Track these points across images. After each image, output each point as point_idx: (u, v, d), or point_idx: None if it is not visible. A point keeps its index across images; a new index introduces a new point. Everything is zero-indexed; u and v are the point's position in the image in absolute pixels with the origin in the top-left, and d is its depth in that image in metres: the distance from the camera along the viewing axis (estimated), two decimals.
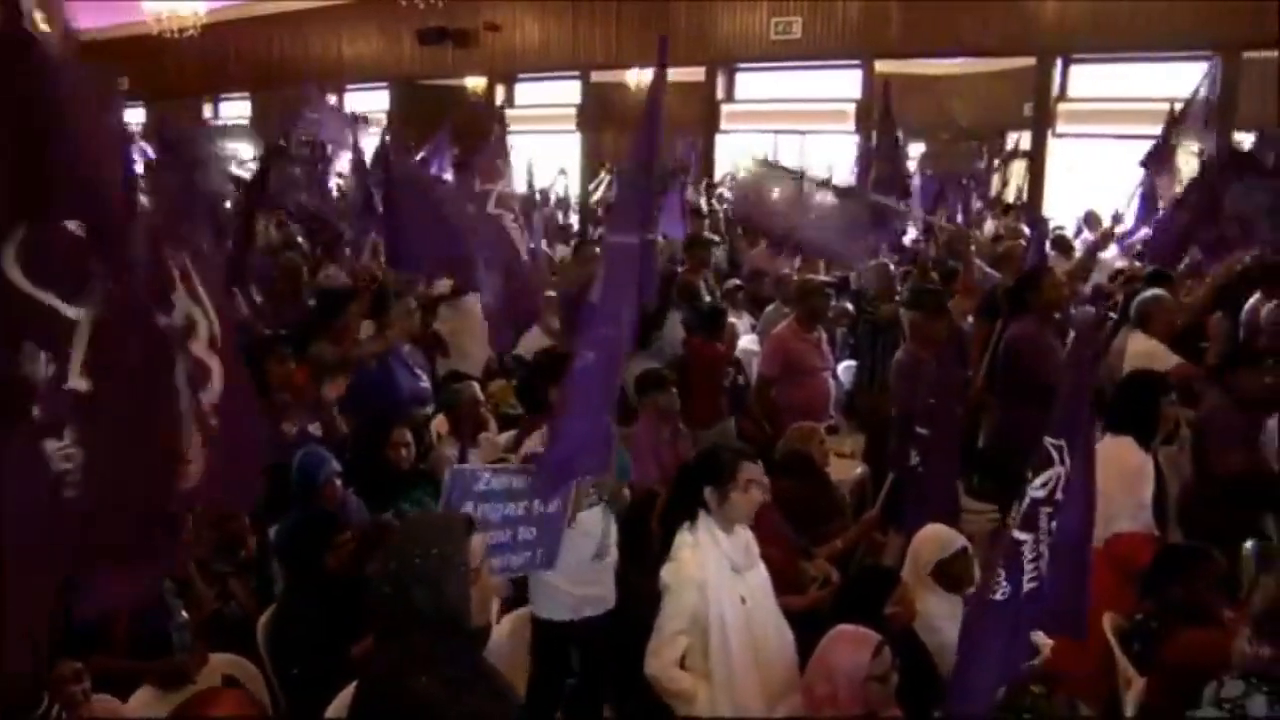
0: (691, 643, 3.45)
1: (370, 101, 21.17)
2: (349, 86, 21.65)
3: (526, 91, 20.20)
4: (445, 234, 5.74)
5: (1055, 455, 2.83)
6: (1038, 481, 2.84)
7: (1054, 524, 2.88)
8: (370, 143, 10.72)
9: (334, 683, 3.45)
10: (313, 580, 4.12)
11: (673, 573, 3.46)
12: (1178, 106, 7.84)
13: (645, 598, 3.63)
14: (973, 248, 8.09)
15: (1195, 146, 6.83)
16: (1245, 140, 10.64)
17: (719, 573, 3.45)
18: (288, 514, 4.52)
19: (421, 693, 2.34)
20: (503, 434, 5.95)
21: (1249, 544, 5.19)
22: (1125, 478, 4.32)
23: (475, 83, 20.47)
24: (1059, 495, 2.85)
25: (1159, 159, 7.01)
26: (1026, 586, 2.86)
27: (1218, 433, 4.96)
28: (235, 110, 23.77)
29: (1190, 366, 5.51)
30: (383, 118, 19.96)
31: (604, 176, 14.22)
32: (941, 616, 3.89)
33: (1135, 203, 7.83)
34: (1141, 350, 5.47)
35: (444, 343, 7.38)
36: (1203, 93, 6.89)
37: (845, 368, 7.30)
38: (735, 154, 14.45)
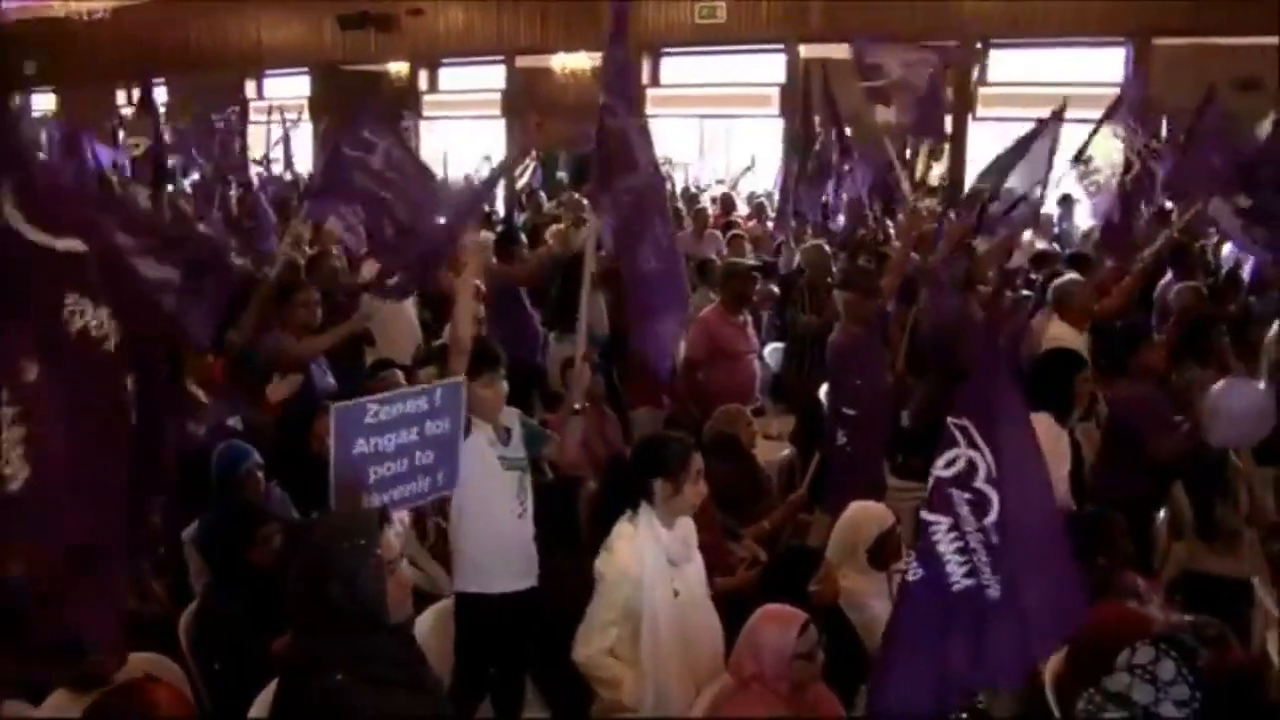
0: (621, 632, 3.46)
1: (290, 88, 20.77)
2: (268, 72, 21.22)
3: (450, 77, 19.99)
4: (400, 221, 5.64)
5: (959, 436, 2.79)
6: (941, 461, 2.79)
7: (989, 520, 2.79)
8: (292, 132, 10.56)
9: (259, 679, 3.39)
10: (236, 575, 4.04)
11: (608, 564, 3.46)
12: (1097, 92, 8.03)
13: (570, 583, 3.62)
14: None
15: (1121, 132, 7.00)
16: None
17: (655, 566, 3.45)
18: (206, 509, 4.43)
19: (340, 690, 2.31)
20: None
21: (1162, 513, 5.37)
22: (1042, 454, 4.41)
23: (398, 68, 20.19)
24: (978, 484, 2.78)
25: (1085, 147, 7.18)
26: (960, 581, 2.80)
27: (1149, 418, 5.05)
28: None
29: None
30: (303, 105, 19.59)
31: (528, 163, 14.12)
32: (868, 594, 3.96)
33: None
34: (1057, 335, 5.60)
35: (368, 331, 7.27)
36: (1117, 78, 7.06)
37: (772, 350, 7.36)
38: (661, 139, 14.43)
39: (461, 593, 4.04)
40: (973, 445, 2.77)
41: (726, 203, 12.93)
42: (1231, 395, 4.62)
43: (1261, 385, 4.96)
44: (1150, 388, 5.00)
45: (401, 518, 3.74)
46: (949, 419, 2.79)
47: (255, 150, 13.00)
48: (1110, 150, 6.66)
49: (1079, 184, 7.44)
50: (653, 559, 3.44)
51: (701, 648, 3.53)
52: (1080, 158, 6.89)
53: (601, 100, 4.22)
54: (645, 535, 3.46)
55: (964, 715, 3.62)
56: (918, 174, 13.22)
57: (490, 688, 4.14)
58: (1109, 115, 6.92)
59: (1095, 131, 6.86)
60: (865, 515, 4.11)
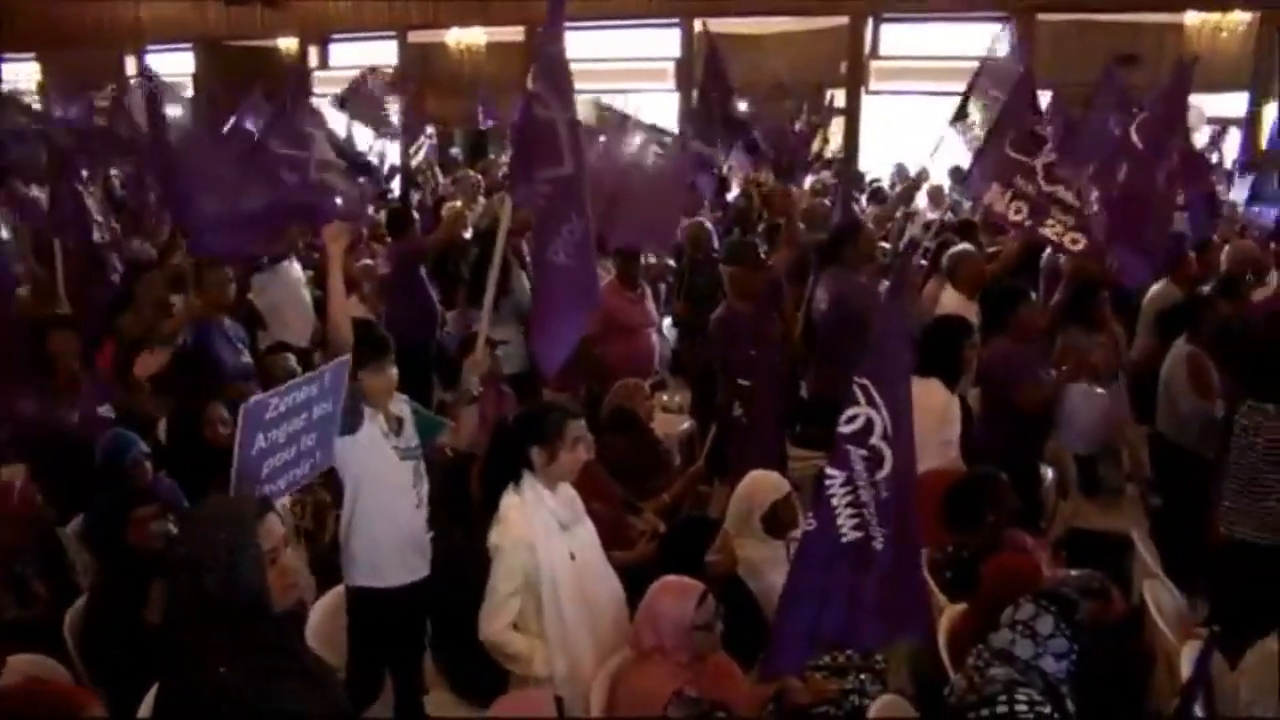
0: (524, 604, 3.44)
1: (173, 64, 20.01)
2: (149, 48, 20.42)
3: (341, 53, 19.51)
4: (250, 206, 5.47)
5: (860, 394, 2.89)
6: (843, 418, 2.90)
7: (882, 475, 2.91)
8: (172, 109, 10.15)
9: (149, 674, 3.28)
10: (123, 564, 3.90)
11: (501, 534, 3.44)
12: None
13: (468, 562, 3.59)
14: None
15: (998, 99, 7.15)
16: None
17: (547, 531, 3.45)
18: (92, 503, 4.27)
19: (222, 684, 2.24)
20: None
21: (1049, 473, 5.55)
22: (932, 417, 4.51)
23: (287, 44, 19.64)
24: (874, 440, 2.90)
25: (960, 116, 7.31)
26: (849, 533, 2.90)
27: (1011, 371, 5.18)
28: (20, 72, 22.10)
29: None
30: (187, 82, 18.93)
31: (423, 140, 13.85)
32: (766, 561, 4.00)
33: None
34: (949, 304, 5.73)
35: (260, 315, 7.09)
36: (1001, 52, 7.21)
37: (671, 324, 7.39)
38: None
39: (354, 587, 3.95)
40: (871, 404, 2.88)
41: None
42: (1079, 407, 4.81)
43: (1103, 395, 5.15)
44: (1018, 344, 5.12)
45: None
46: (855, 377, 2.89)
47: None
48: (990, 115, 6.80)
49: (962, 144, 7.58)
50: (543, 523, 3.44)
51: (604, 612, 3.53)
52: (960, 117, 7.03)
53: (531, 88, 4.15)
54: (532, 501, 3.46)
55: (863, 676, 3.71)
56: (814, 148, 13.38)
57: (389, 673, 4.09)
58: (976, 81, 7.08)
59: (968, 93, 6.99)
60: (760, 484, 4.15)
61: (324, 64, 19.30)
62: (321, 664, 2.68)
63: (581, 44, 16.95)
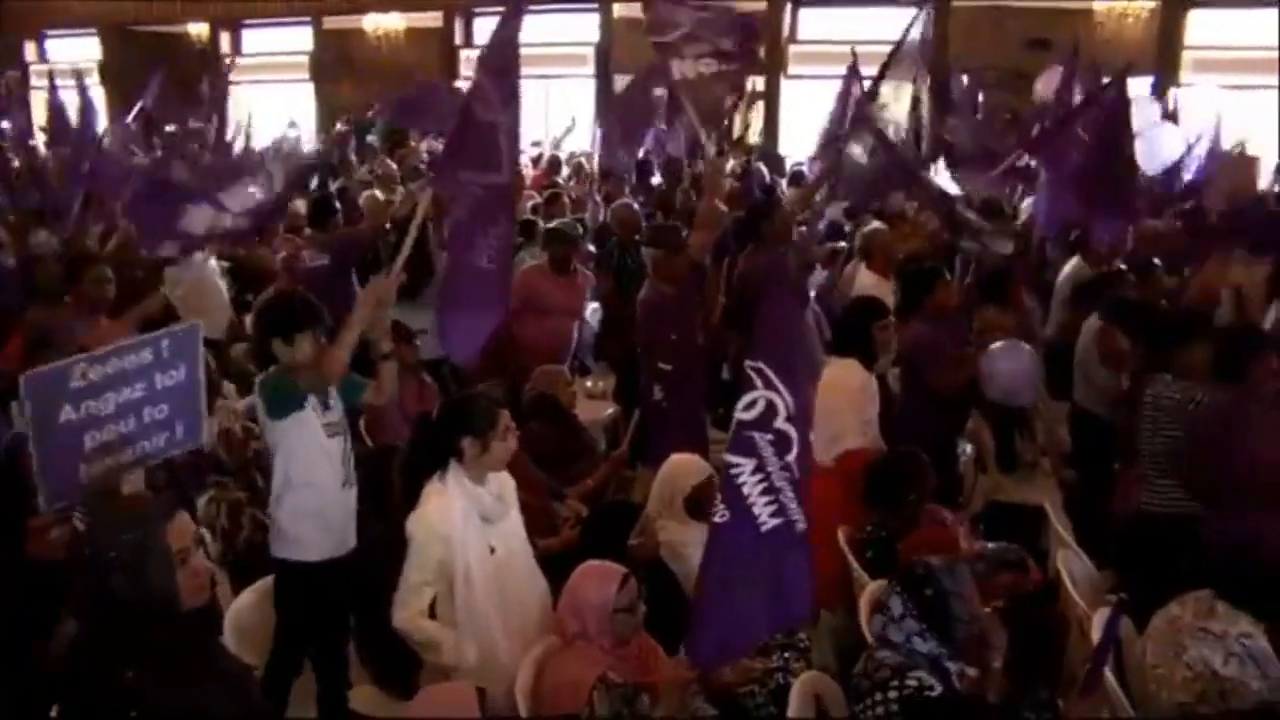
0: (439, 592, 3.43)
1: (78, 50, 19.39)
2: (50, 33, 19.75)
3: (254, 39, 19.08)
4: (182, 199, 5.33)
5: (756, 378, 2.85)
6: (741, 405, 2.86)
7: (791, 456, 2.89)
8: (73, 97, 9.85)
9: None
10: (19, 584, 3.75)
11: (418, 523, 3.42)
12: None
13: (387, 551, 3.54)
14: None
15: (908, 86, 7.24)
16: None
17: (466, 522, 3.43)
18: None
19: (131, 688, 2.18)
20: (243, 400, 5.63)
21: (968, 449, 5.65)
22: (850, 397, 4.57)
23: (198, 29, 19.15)
24: (779, 424, 2.86)
25: (872, 97, 7.40)
26: (768, 520, 2.88)
27: (928, 352, 5.26)
28: None
29: None
30: (93, 69, 18.34)
31: (340, 128, 13.65)
32: (689, 544, 4.00)
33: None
34: (865, 284, 5.80)
35: (173, 308, 6.89)
36: (915, 34, 7.29)
37: (594, 310, 7.37)
38: None
39: (281, 560, 3.90)
40: (770, 387, 2.83)
41: (554, 164, 12.86)
42: (1003, 359, 4.87)
43: (1027, 349, 5.25)
44: (934, 326, 5.19)
45: None
46: (746, 361, 2.85)
47: (39, 118, 12.09)
48: (905, 99, 6.89)
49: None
50: (463, 514, 3.41)
51: (526, 605, 3.53)
52: (873, 98, 7.11)
53: (475, 82, 4.08)
54: (455, 492, 3.44)
55: (787, 654, 3.74)
56: (736, 131, 13.43)
57: (311, 659, 4.02)
58: (889, 64, 7.16)
59: (882, 75, 7.07)
60: (681, 468, 4.15)
61: (236, 50, 18.85)
62: (237, 664, 2.63)
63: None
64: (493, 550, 3.47)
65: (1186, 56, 15.02)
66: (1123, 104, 5.91)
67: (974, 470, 5.63)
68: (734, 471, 2.84)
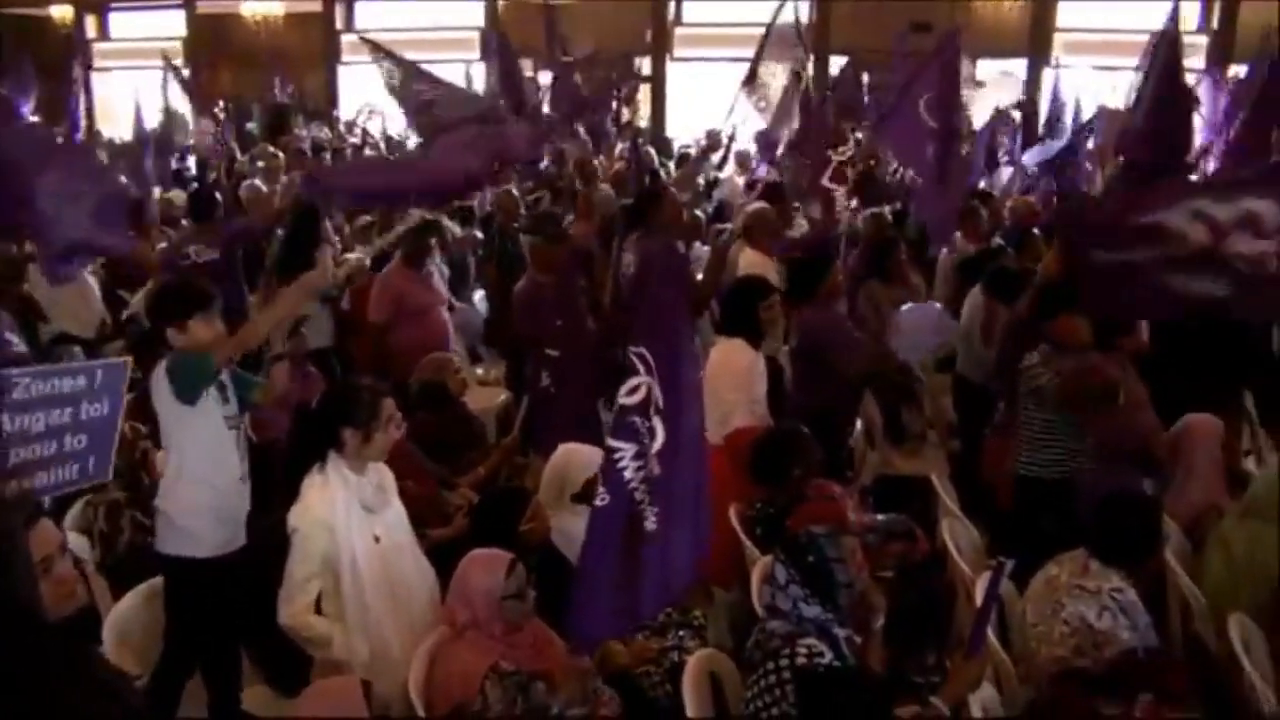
0: (325, 586, 3.36)
1: None
2: None
3: (122, 23, 18.34)
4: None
5: (639, 363, 2.83)
6: (625, 389, 2.83)
7: (654, 450, 2.86)
8: None
9: None
10: None
11: (300, 515, 3.34)
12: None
13: (272, 546, 3.46)
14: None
15: (785, 66, 7.33)
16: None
17: (349, 513, 3.36)
18: None
19: None
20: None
21: (857, 424, 5.76)
22: (738, 377, 4.60)
23: (62, 12, 18.32)
24: (651, 414, 2.85)
25: (750, 79, 7.49)
26: (646, 512, 2.87)
27: (831, 338, 5.32)
28: None
29: None
30: None
31: (218, 115, 13.21)
32: (581, 531, 3.97)
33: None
34: (749, 262, 5.85)
35: (37, 305, 6.60)
36: (787, 18, 7.40)
37: (482, 296, 7.30)
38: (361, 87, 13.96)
39: (171, 556, 3.76)
40: (650, 372, 2.82)
41: None
42: (910, 314, 4.97)
43: (937, 305, 5.36)
44: (834, 311, 5.27)
45: None
46: (629, 347, 2.82)
47: None
48: (782, 79, 7.00)
49: (753, 108, 7.77)
50: (345, 505, 3.35)
51: (412, 594, 3.47)
52: (751, 79, 7.20)
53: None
54: (336, 483, 3.36)
55: (682, 633, 3.76)
56: (625, 115, 13.44)
57: (201, 663, 3.90)
58: (763, 47, 7.26)
59: (759, 57, 7.16)
60: (572, 461, 4.13)
61: (103, 35, 18.09)
62: (113, 671, 2.52)
63: (384, 14, 16.52)
64: (377, 539, 3.40)
65: (1058, 39, 15.57)
66: (947, 79, 6.06)
67: (864, 444, 5.75)
68: (616, 455, 2.82)
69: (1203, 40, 15.89)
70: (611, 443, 2.83)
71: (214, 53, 17.31)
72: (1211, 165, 8.31)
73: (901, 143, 6.29)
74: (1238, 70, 11.53)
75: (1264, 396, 5.70)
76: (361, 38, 5.93)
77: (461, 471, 4.71)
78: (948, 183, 6.06)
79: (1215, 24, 15.90)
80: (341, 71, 16.33)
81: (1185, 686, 2.90)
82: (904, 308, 5.16)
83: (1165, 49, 6.69)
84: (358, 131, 13.84)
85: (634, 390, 2.82)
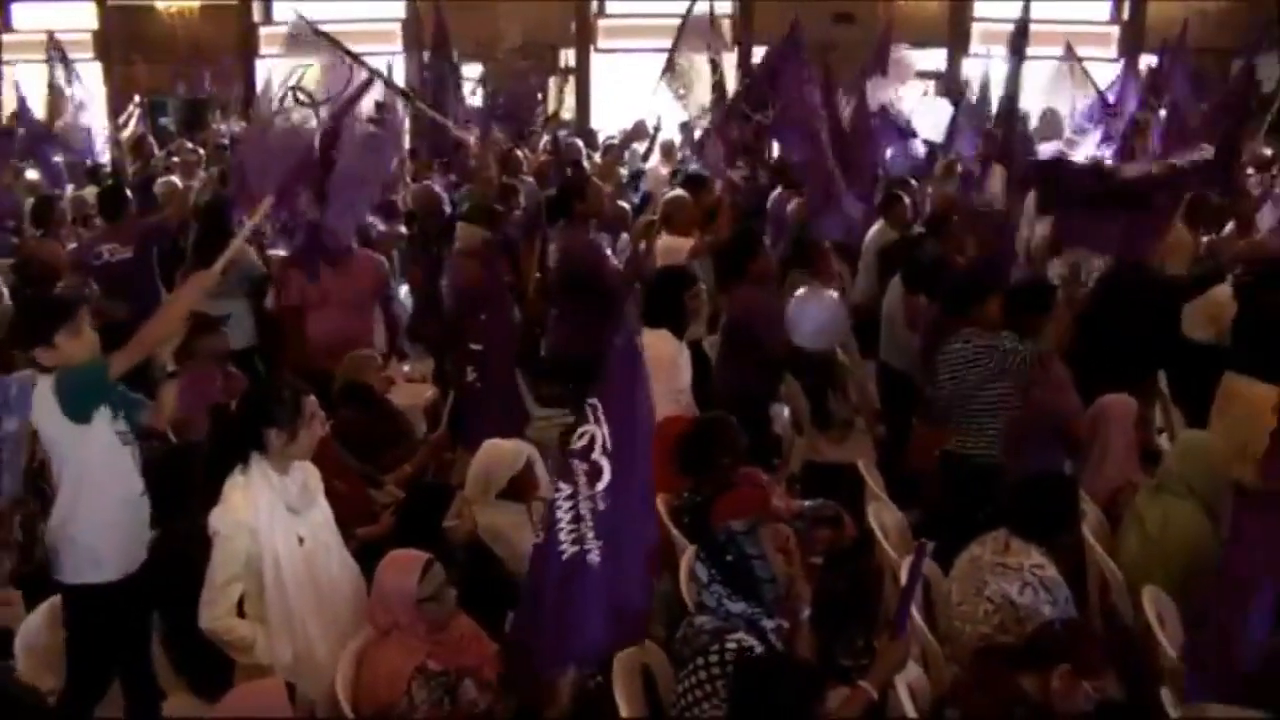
0: (248, 588, 3.29)
1: None
2: None
3: (26, 15, 17.74)
4: None
5: (590, 413, 2.91)
6: (574, 436, 2.93)
7: (600, 487, 2.91)
8: None
9: None
10: None
11: (221, 518, 3.26)
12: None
13: (191, 550, 3.38)
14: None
15: (703, 56, 7.37)
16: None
17: (273, 514, 3.29)
18: None
19: None
20: None
21: (785, 411, 5.80)
22: (662, 367, 4.59)
23: None
24: (595, 456, 2.90)
25: (669, 69, 7.52)
26: (566, 549, 2.90)
27: (761, 317, 5.34)
28: None
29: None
30: None
31: (132, 110, 12.87)
32: (509, 525, 3.99)
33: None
34: (668, 246, 5.86)
35: None
36: (702, 9, 7.44)
37: (407, 293, 7.22)
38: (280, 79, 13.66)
39: (71, 585, 3.64)
40: (597, 421, 2.88)
41: None
42: (808, 303, 5.01)
43: (834, 295, 5.41)
44: (763, 291, 5.29)
45: None
46: (587, 399, 2.91)
47: None
48: (704, 72, 7.04)
49: (673, 100, 7.79)
50: (268, 506, 3.28)
51: (337, 595, 3.41)
52: (669, 70, 7.23)
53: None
54: (260, 484, 3.29)
55: None
56: (551, 107, 13.37)
57: (117, 676, 3.81)
58: (680, 38, 7.30)
59: (675, 48, 7.19)
60: (497, 457, 4.10)
61: (5, 26, 17.50)
62: (21, 686, 2.46)
63: (302, 6, 16.22)
64: (301, 541, 3.34)
65: (977, 29, 15.85)
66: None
67: (790, 431, 5.80)
68: (556, 496, 2.91)
69: (1115, 30, 16.32)
70: (557, 483, 2.92)
71: (127, 46, 16.86)
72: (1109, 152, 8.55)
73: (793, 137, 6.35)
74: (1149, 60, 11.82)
75: (1175, 376, 5.89)
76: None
77: (388, 469, 4.65)
78: (851, 172, 6.13)
79: (1126, 15, 16.31)
80: (259, 65, 15.98)
81: (1101, 656, 2.97)
82: (801, 295, 5.20)
83: None
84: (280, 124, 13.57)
85: (580, 436, 2.90)
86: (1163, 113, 8.76)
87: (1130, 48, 14.93)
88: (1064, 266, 6.46)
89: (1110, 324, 5.30)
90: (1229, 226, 7.22)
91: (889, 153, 8.99)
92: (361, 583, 3.49)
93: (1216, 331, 5.57)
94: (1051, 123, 9.62)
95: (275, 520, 3.28)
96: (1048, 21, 14.87)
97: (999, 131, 7.88)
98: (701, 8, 7.18)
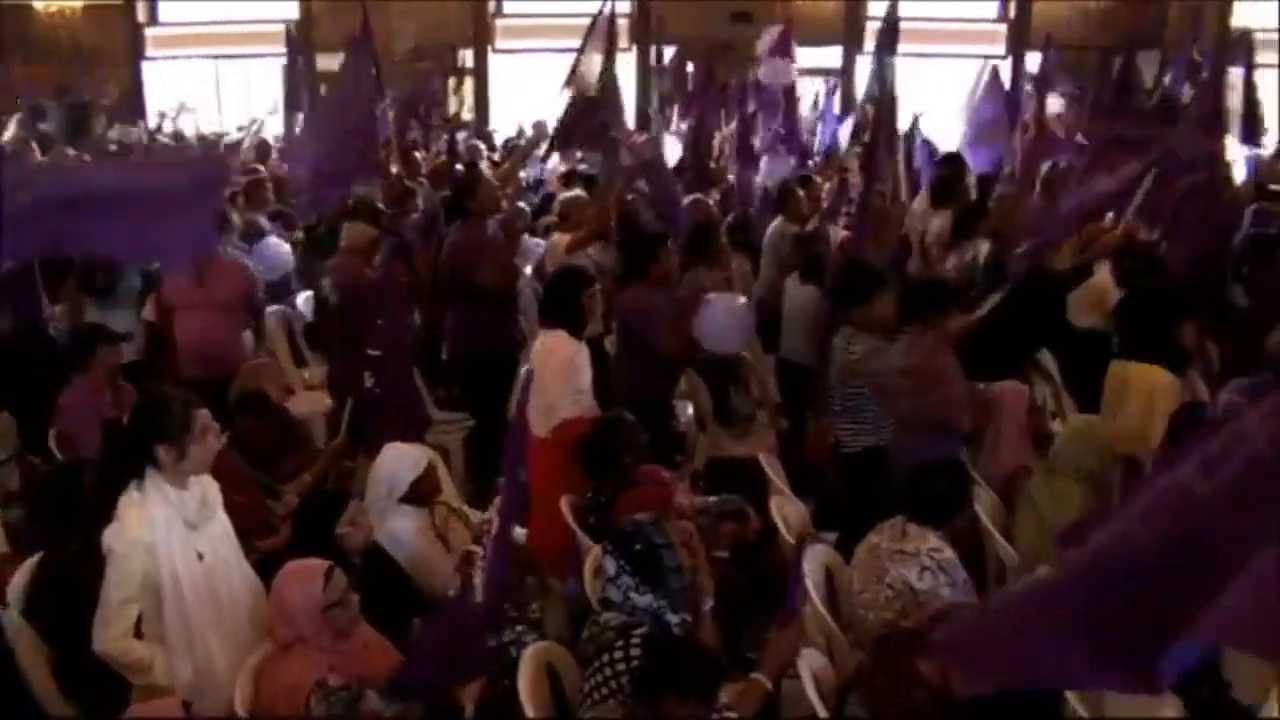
0: (145, 608, 3.18)
1: None
2: None
3: None
4: None
5: None
6: None
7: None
8: None
9: None
10: None
11: (116, 536, 3.15)
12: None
13: (82, 571, 3.27)
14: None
15: (599, 57, 7.39)
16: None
17: (170, 531, 3.19)
18: None
19: None
20: None
21: (688, 408, 5.83)
22: (562, 368, 4.59)
23: None
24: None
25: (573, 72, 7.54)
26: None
27: (648, 318, 5.34)
28: None
29: None
30: None
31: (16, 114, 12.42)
32: (410, 531, 3.94)
33: None
34: (556, 241, 5.87)
35: None
36: (606, 9, 7.47)
37: (305, 299, 7.09)
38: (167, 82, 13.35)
39: None
40: None
41: (262, 150, 12.22)
42: (716, 307, 5.04)
43: (741, 300, 5.46)
44: (655, 291, 5.28)
45: None
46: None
47: None
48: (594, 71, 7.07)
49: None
50: (165, 523, 3.18)
51: (240, 612, 3.33)
52: (574, 71, 7.24)
53: None
54: (155, 501, 3.19)
55: (520, 628, 3.73)
56: (451, 109, 13.25)
57: None
58: (588, 38, 7.31)
59: (582, 51, 7.21)
60: (397, 462, 4.05)
61: None
62: None
63: (190, 8, 15.79)
64: (201, 557, 3.24)
65: (871, 28, 16.17)
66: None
67: (694, 428, 5.84)
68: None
69: (1002, 29, 16.81)
70: None
71: (7, 47, 16.24)
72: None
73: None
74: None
75: (1065, 362, 6.07)
76: None
77: (288, 479, 4.55)
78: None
79: (1013, 13, 16.82)
80: (146, 68, 15.53)
81: None
82: (710, 299, 5.24)
83: None
84: (168, 130, 13.25)
85: None
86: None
87: (1017, 46, 15.40)
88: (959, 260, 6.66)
89: (1000, 312, 5.44)
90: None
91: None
92: (263, 596, 3.41)
93: (1100, 317, 5.78)
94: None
95: (173, 536, 3.19)
96: (937, 20, 15.32)
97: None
98: (609, 8, 7.21)
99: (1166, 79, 10.06)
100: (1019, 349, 5.48)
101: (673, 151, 9.34)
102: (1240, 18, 15.57)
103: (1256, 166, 9.14)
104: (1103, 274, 5.99)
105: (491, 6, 14.16)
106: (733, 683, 3.06)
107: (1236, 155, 8.45)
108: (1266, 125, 9.31)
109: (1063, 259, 5.89)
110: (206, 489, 3.37)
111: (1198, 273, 5.60)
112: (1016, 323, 5.48)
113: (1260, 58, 9.02)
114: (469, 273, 5.52)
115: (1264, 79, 9.11)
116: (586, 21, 8.12)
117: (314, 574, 3.06)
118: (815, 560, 3.89)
